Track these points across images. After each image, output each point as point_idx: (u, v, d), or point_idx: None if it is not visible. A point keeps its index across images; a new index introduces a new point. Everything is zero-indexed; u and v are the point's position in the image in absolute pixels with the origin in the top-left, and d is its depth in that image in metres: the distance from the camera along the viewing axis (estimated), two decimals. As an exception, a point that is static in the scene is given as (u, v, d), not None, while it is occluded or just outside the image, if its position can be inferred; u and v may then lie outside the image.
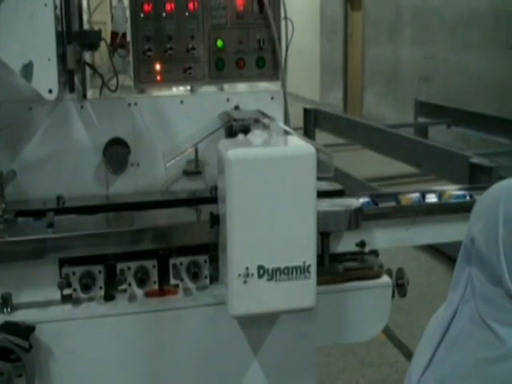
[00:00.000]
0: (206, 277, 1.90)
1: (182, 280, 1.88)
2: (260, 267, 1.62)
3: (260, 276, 1.62)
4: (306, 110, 8.57)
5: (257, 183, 1.60)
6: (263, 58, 2.14)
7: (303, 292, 1.67)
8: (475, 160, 5.19)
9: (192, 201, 2.04)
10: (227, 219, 1.63)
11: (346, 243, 2.06)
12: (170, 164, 2.00)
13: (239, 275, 1.62)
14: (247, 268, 1.62)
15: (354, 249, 2.09)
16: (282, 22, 2.18)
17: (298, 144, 1.70)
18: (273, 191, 1.61)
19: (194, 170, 2.12)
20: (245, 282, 1.62)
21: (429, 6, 9.63)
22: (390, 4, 10.77)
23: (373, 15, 11.51)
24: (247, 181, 1.60)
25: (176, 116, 2.14)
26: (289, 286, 1.65)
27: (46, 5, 1.63)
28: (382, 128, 7.62)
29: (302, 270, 1.65)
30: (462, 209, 2.18)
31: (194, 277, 1.86)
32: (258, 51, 2.13)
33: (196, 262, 1.88)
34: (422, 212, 2.16)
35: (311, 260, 1.66)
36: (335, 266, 2.01)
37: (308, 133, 8.40)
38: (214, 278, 1.91)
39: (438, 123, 8.58)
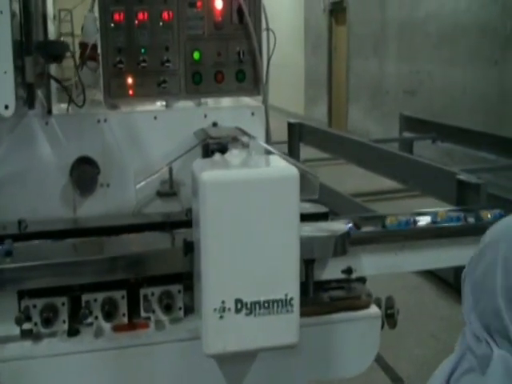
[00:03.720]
0: (180, 308, 1.75)
1: (153, 312, 1.73)
2: (238, 301, 1.48)
3: (238, 311, 1.48)
4: (290, 124, 8.48)
5: (234, 208, 1.46)
6: (243, 71, 2.01)
7: (285, 327, 1.52)
8: (463, 177, 5.10)
9: (166, 224, 1.89)
10: (201, 247, 1.48)
11: (331, 270, 1.93)
12: (140, 186, 1.85)
13: (215, 310, 1.47)
14: (223, 302, 1.47)
15: (340, 276, 1.95)
16: (264, 34, 2.06)
17: (279, 165, 1.56)
18: (252, 217, 1.47)
19: (168, 190, 1.98)
20: (221, 317, 1.47)
21: (414, 20, 9.60)
22: (375, 18, 10.74)
23: (357, 29, 11.47)
24: (223, 205, 1.46)
25: (149, 133, 2.01)
26: (269, 322, 1.50)
27: (1, 12, 1.48)
28: (368, 143, 7.54)
29: (284, 304, 1.51)
30: (454, 233, 2.06)
31: (167, 309, 1.71)
32: (237, 64, 2.01)
33: (169, 292, 1.73)
34: (411, 236, 2.03)
35: (294, 292, 1.51)
36: (320, 296, 1.87)
37: (292, 147, 8.31)
38: (189, 309, 1.76)
39: (423, 138, 8.52)
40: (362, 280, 2.02)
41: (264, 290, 1.50)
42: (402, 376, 4.01)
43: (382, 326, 1.91)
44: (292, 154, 8.00)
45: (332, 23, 12.65)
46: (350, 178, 7.97)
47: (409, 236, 2.02)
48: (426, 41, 9.30)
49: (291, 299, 1.51)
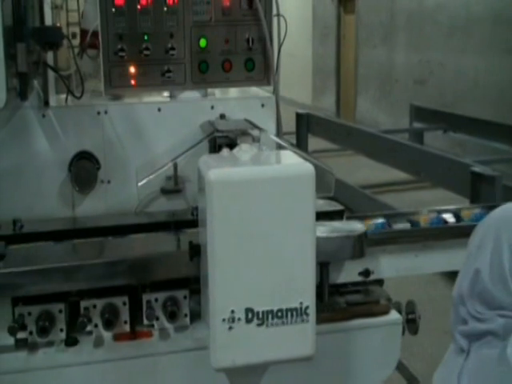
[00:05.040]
0: (185, 315, 1.63)
1: (157, 319, 1.60)
2: (248, 310, 1.35)
3: (248, 321, 1.35)
4: (298, 115, 8.33)
5: (244, 209, 1.33)
6: (252, 59, 1.89)
7: (300, 339, 1.40)
8: (477, 169, 4.95)
9: (171, 224, 1.77)
10: (208, 251, 1.35)
11: (347, 272, 1.81)
12: (143, 183, 1.73)
13: (223, 320, 1.34)
14: (233, 311, 1.35)
15: (357, 278, 1.83)
16: (274, 20, 1.93)
17: (293, 161, 1.42)
18: (263, 218, 1.34)
19: (173, 187, 1.85)
20: (230, 328, 1.35)
21: (424, 8, 9.41)
22: (384, 7, 10.54)
23: (366, 18, 11.28)
24: (232, 206, 1.33)
25: (153, 126, 1.88)
26: (283, 332, 1.38)
27: (-11, -6, 1.36)
28: (378, 134, 7.38)
29: (299, 313, 1.38)
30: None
31: (172, 316, 1.59)
32: (246, 52, 1.88)
33: (174, 298, 1.61)
34: (432, 236, 1.90)
35: (309, 300, 1.39)
36: (336, 301, 1.75)
37: (300, 138, 8.18)
38: (196, 315, 1.64)
39: (434, 128, 8.35)
40: (379, 282, 1.90)
41: (277, 298, 1.37)
42: (417, 375, 3.89)
43: (403, 332, 1.79)
44: (300, 145, 7.86)
45: (340, 12, 12.45)
46: (360, 170, 7.83)
47: (430, 236, 1.90)
48: (437, 30, 9.11)
49: (307, 308, 1.38)
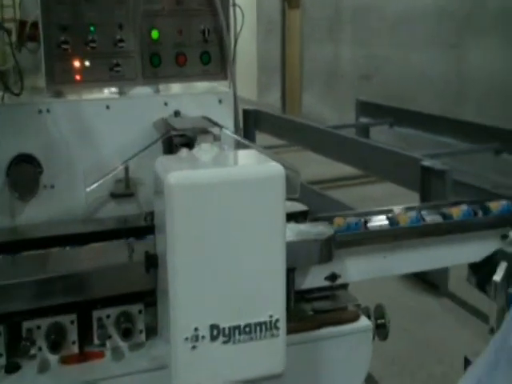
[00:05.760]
0: (141, 331, 1.49)
1: (109, 337, 1.46)
2: (213, 327, 1.23)
3: (213, 338, 1.23)
4: (245, 112, 8.22)
5: (207, 214, 1.21)
6: (208, 52, 1.76)
7: (270, 355, 1.29)
8: (427, 163, 4.94)
9: (122, 232, 1.62)
10: (168, 263, 1.22)
11: (313, 277, 1.70)
12: (92, 189, 1.58)
13: (186, 339, 1.22)
14: (196, 329, 1.22)
15: (323, 283, 1.73)
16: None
17: (260, 161, 1.30)
18: (228, 224, 1.23)
19: (123, 191, 1.71)
20: (193, 347, 1.22)
21: (370, 3, 9.43)
22: (329, 1, 10.52)
23: (311, 13, 11.25)
24: (194, 212, 1.20)
25: (101, 125, 1.74)
26: (251, 349, 1.26)
27: None
28: (325, 129, 7.37)
29: (269, 327, 1.27)
30: (449, 230, 1.86)
31: (126, 334, 1.45)
32: (202, 44, 1.76)
33: (128, 313, 1.47)
34: (401, 236, 1.82)
35: (279, 312, 1.28)
36: (302, 308, 1.65)
37: (248, 135, 8.08)
38: (152, 330, 1.51)
39: (380, 123, 8.38)
40: (343, 286, 1.81)
41: (244, 312, 1.25)
42: (373, 374, 3.83)
43: (373, 338, 1.71)
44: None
45: (285, 6, 12.39)
46: (307, 165, 7.79)
47: (399, 235, 1.82)
48: (381, 24, 9.14)
49: (277, 321, 1.27)
